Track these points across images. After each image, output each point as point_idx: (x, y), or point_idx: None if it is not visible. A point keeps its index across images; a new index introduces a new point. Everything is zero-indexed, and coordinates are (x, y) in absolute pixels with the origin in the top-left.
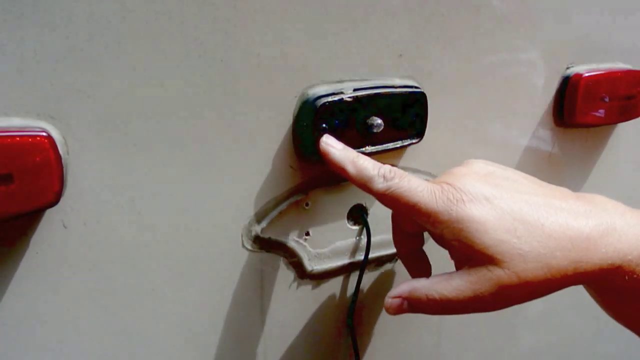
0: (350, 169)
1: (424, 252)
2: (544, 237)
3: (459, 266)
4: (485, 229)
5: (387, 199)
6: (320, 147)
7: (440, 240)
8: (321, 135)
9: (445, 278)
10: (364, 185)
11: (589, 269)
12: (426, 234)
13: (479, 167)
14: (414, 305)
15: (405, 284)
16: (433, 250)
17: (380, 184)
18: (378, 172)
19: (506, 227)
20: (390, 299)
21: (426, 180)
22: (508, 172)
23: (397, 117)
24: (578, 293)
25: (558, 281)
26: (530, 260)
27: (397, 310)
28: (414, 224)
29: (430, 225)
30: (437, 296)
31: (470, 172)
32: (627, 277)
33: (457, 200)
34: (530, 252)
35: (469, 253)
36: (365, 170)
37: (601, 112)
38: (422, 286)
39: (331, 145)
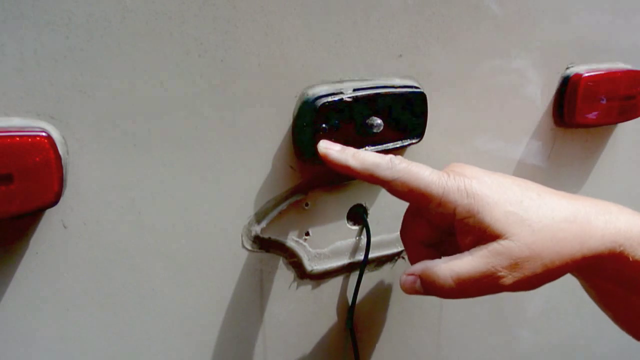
0: (353, 162)
1: None
2: (547, 209)
3: (470, 247)
4: (494, 202)
5: (397, 184)
6: (319, 151)
7: (449, 227)
8: (318, 141)
9: (457, 256)
10: (371, 175)
11: (594, 247)
12: None
13: (471, 166)
14: (427, 285)
15: (419, 263)
16: None
17: (388, 170)
18: (383, 160)
19: (513, 200)
20: (404, 276)
21: None
22: (497, 173)
23: (397, 117)
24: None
25: (568, 259)
26: (538, 230)
27: (410, 289)
28: (427, 227)
29: (442, 207)
30: (449, 274)
31: (466, 165)
32: (631, 258)
33: (464, 181)
34: (538, 223)
35: (480, 230)
36: (368, 160)
37: (601, 112)
38: (434, 265)
39: (329, 147)
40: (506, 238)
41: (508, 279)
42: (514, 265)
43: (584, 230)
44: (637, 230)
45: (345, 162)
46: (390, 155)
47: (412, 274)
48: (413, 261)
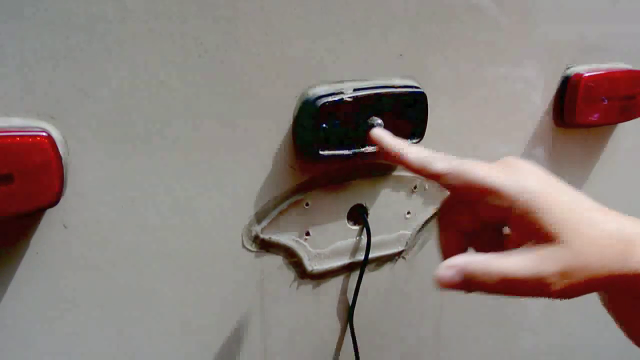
0: (409, 151)
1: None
2: (599, 222)
3: (518, 244)
4: (553, 204)
5: (452, 176)
6: (373, 136)
7: (498, 222)
8: (369, 130)
9: (505, 254)
10: (424, 167)
11: (634, 268)
12: None
13: (526, 161)
14: (469, 280)
15: (460, 257)
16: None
17: (443, 162)
18: (438, 153)
19: (570, 206)
20: (444, 269)
21: None
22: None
23: (397, 117)
24: None
25: (609, 274)
26: (588, 243)
27: (449, 283)
28: (470, 217)
29: (498, 199)
30: (495, 271)
31: (521, 161)
32: None
33: (519, 175)
34: (590, 235)
35: (534, 229)
36: (422, 152)
37: (601, 112)
38: (479, 260)
39: (383, 134)
40: (560, 243)
41: (556, 286)
42: (564, 274)
43: (627, 249)
44: None
45: (400, 150)
46: (443, 153)
47: (453, 267)
48: (443, 247)
